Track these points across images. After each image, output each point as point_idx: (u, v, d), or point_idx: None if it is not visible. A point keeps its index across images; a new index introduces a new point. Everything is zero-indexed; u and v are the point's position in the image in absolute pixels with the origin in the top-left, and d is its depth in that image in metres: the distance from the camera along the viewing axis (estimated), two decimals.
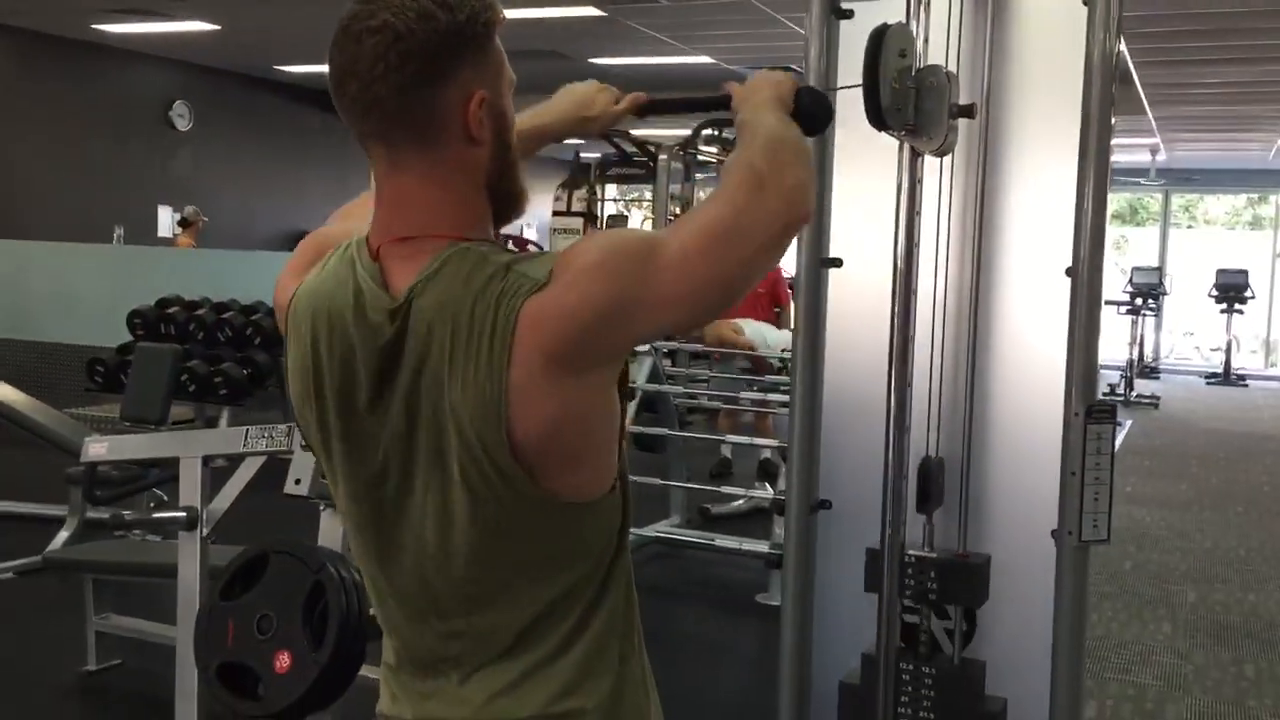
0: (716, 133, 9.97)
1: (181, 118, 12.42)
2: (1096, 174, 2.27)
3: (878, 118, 2.03)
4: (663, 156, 8.87)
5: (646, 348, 5.27)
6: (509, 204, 1.19)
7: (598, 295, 1.06)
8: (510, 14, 1.18)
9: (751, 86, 1.36)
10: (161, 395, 4.93)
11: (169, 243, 11.65)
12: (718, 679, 3.97)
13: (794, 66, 1.43)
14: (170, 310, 7.34)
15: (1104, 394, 11.30)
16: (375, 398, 1.13)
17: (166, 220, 12.18)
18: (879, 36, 2.00)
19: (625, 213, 15.70)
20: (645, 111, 1.51)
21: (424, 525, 1.15)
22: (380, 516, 1.18)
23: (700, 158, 9.79)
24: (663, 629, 4.56)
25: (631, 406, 5.15)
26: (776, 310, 6.66)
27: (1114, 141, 2.28)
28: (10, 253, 8.86)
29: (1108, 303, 12.25)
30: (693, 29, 9.24)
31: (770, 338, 6.06)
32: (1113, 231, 17.86)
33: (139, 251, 9.61)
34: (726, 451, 6.74)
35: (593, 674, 1.17)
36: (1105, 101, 2.26)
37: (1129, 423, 9.88)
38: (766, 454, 6.47)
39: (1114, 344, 12.67)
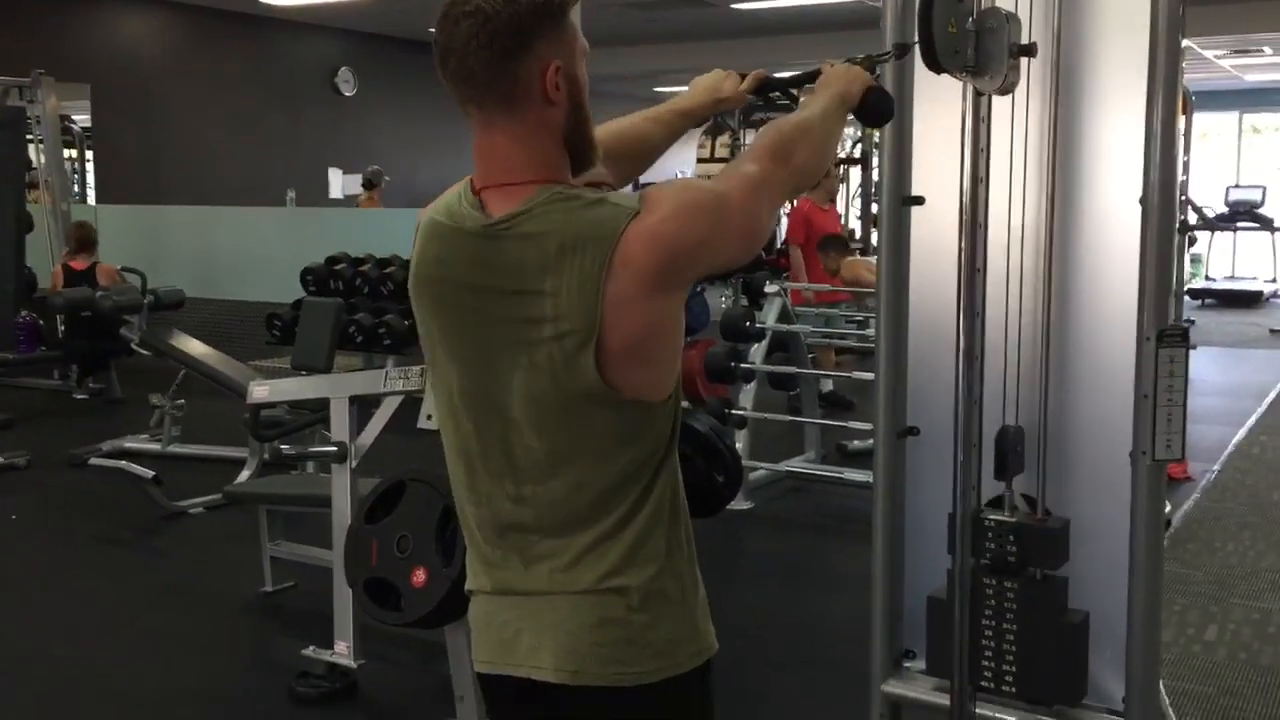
0: None
1: (347, 84, 13.03)
2: (1165, 99, 2.30)
3: (934, 62, 2.13)
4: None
5: (776, 289, 5.41)
6: (583, 155, 1.44)
7: (695, 228, 1.33)
8: None
9: (834, 74, 1.69)
10: (326, 345, 5.35)
11: (340, 204, 12.28)
12: (841, 601, 4.14)
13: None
14: (338, 267, 7.83)
15: None
16: (473, 296, 1.39)
17: (337, 182, 12.84)
18: None
19: None
20: (764, 89, 1.83)
21: (510, 398, 1.39)
22: (479, 388, 1.42)
23: None
24: (791, 558, 4.76)
25: (762, 346, 5.31)
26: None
27: None
28: (197, 218, 9.57)
29: None
30: None
31: None
32: None
33: (310, 213, 10.21)
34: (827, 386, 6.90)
35: (638, 560, 1.39)
36: (1173, 25, 2.28)
37: None
38: (829, 385, 6.78)
39: None
